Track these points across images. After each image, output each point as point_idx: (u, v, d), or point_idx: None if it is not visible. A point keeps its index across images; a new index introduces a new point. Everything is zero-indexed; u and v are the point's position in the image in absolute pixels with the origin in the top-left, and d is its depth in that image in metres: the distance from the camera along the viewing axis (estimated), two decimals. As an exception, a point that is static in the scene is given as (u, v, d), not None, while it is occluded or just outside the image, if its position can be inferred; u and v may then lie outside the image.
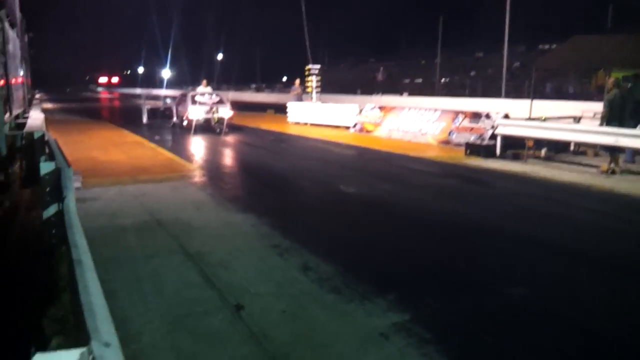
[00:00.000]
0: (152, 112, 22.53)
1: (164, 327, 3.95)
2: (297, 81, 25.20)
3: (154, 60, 75.99)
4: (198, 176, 10.26)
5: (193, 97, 19.33)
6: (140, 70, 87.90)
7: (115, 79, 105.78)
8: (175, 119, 20.80)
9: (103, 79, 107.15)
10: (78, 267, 2.47)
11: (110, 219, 6.91)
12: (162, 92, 56.58)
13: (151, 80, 75.66)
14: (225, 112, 18.68)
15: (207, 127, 18.44)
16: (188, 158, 12.67)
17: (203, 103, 18.91)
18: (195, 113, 18.45)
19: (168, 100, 29.26)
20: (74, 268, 2.51)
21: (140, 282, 4.82)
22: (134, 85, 79.81)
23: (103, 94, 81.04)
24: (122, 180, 9.48)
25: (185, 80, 69.48)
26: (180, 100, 20.60)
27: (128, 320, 3.96)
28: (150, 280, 4.85)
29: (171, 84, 65.37)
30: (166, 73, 68.18)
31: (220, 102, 19.32)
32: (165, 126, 20.83)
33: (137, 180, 9.46)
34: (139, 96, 63.08)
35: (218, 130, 18.13)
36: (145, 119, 21.96)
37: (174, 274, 5.00)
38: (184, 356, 3.53)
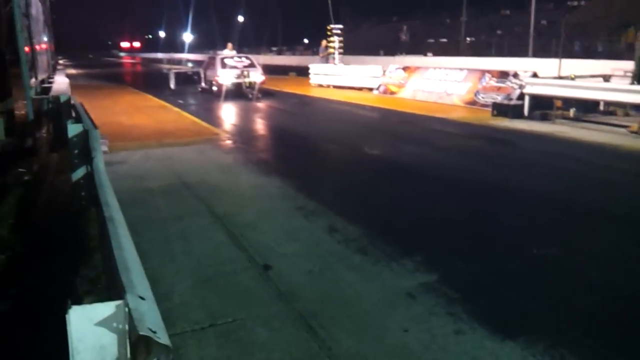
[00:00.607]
0: (180, 77, 21.31)
1: (194, 286, 4.01)
2: (324, 42, 24.56)
3: (175, 24, 75.64)
4: (223, 139, 10.28)
5: (222, 60, 18.16)
6: (162, 34, 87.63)
7: (137, 44, 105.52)
8: (203, 84, 19.62)
9: (125, 44, 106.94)
10: (110, 224, 2.50)
11: (138, 181, 6.99)
12: (184, 56, 56.50)
13: (172, 44, 75.37)
14: (257, 76, 17.54)
15: (237, 92, 17.39)
16: (213, 122, 12.68)
17: (233, 67, 17.78)
18: (225, 77, 17.33)
19: (190, 64, 29.14)
20: (106, 225, 2.54)
21: (170, 242, 4.89)
22: (156, 49, 79.67)
23: (125, 59, 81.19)
24: (148, 144, 9.55)
25: (207, 43, 69.10)
26: (209, 64, 19.46)
27: (158, 280, 4.02)
28: (179, 241, 4.92)
29: (192, 48, 65.09)
30: (187, 37, 67.87)
31: (251, 65, 18.16)
32: (193, 92, 19.84)
33: (163, 144, 9.52)
34: (160, 60, 63.10)
35: (250, 95, 17.13)
36: (172, 85, 20.84)
37: (203, 235, 5.06)
38: (214, 314, 3.59)
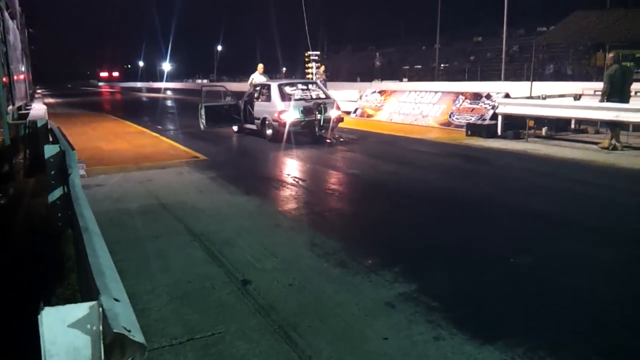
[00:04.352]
0: (213, 113, 14.09)
1: (171, 303, 3.97)
2: (322, 67, 24.12)
3: (154, 53, 76.10)
4: (201, 162, 10.26)
5: (281, 88, 12.94)
6: (141, 64, 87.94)
7: (115, 74, 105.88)
8: (246, 123, 14.16)
9: (104, 74, 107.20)
10: (85, 234, 2.49)
11: (116, 203, 6.94)
12: (162, 84, 56.60)
13: (151, 73, 75.72)
14: (333, 112, 12.67)
15: (304, 134, 12.85)
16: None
17: (300, 99, 12.74)
18: (290, 113, 12.28)
19: (169, 92, 28.53)
20: (81, 235, 2.53)
21: (147, 261, 4.85)
22: (135, 79, 79.90)
23: (104, 88, 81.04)
24: (127, 167, 9.51)
25: (186, 72, 69.34)
26: (258, 95, 13.77)
27: (136, 297, 3.98)
28: (157, 260, 4.88)
29: (171, 77, 65.38)
30: (166, 66, 68.24)
31: (323, 95, 13.25)
32: (228, 134, 14.87)
33: (142, 167, 9.49)
34: (139, 89, 63.07)
35: (332, 139, 12.60)
36: (203, 124, 14.00)
37: (181, 253, 5.03)
38: (192, 329, 3.55)
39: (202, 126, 14.03)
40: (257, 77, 15.34)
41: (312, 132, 12.62)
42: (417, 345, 3.30)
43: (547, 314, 3.71)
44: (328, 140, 12.48)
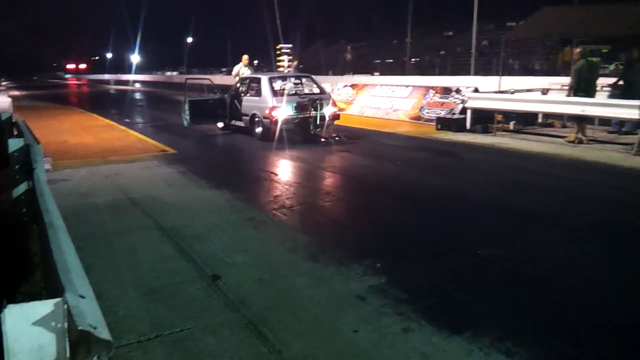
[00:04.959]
0: (198, 109, 12.71)
1: (140, 299, 3.93)
2: (296, 62, 23.92)
3: (123, 45, 74.66)
4: (171, 156, 10.14)
5: (271, 82, 11.89)
6: (109, 56, 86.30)
7: (83, 66, 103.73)
8: (232, 119, 12.91)
9: (71, 66, 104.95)
10: (50, 230, 2.44)
11: (82, 198, 6.82)
12: (131, 77, 55.73)
13: (120, 65, 74.39)
14: (328, 109, 11.74)
15: (296, 132, 11.94)
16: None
17: (293, 94, 11.95)
18: (282, 110, 11.30)
19: (137, 85, 28.21)
20: (47, 231, 2.48)
21: (115, 257, 4.78)
22: (102, 71, 78.51)
23: (71, 80, 79.39)
24: (94, 161, 9.34)
25: (155, 64, 68.31)
26: (247, 89, 12.71)
27: (103, 293, 3.92)
28: (125, 255, 4.82)
29: (140, 69, 64.36)
30: (135, 58, 67.11)
31: (317, 90, 12.40)
32: (213, 132, 13.56)
33: (109, 161, 9.33)
34: (107, 82, 61.97)
35: (329, 139, 11.56)
36: (187, 120, 12.70)
37: (149, 248, 4.98)
38: (161, 325, 3.52)
39: (185, 123, 12.77)
40: (242, 69, 14.36)
41: (305, 130, 11.65)
42: (386, 337, 3.34)
43: (514, 305, 3.79)
44: (322, 140, 11.51)
